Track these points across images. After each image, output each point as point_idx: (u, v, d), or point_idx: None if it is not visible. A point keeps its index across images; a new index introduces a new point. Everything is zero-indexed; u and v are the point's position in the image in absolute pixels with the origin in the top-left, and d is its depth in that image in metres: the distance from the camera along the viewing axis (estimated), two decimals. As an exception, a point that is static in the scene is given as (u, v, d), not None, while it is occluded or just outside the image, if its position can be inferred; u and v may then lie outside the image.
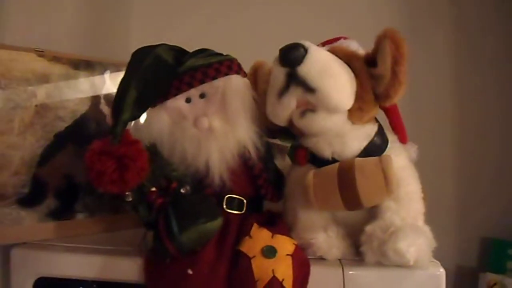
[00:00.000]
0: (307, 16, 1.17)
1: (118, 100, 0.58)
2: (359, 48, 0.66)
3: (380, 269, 0.59)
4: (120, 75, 0.82)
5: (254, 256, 0.55)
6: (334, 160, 0.62)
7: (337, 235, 0.62)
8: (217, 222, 0.58)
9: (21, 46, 0.74)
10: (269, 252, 0.55)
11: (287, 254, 0.56)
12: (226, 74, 0.64)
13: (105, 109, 0.82)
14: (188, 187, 0.60)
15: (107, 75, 0.83)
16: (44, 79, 0.75)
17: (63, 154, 0.76)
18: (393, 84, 0.59)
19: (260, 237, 0.58)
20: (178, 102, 0.64)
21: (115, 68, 0.84)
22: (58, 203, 0.75)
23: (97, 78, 0.81)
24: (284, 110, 0.61)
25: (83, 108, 0.79)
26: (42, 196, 0.73)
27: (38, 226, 0.71)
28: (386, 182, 0.57)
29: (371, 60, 0.62)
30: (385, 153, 0.64)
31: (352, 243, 0.63)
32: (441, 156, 1.15)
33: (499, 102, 1.16)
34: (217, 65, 0.64)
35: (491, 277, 1.04)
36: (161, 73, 0.62)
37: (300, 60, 0.57)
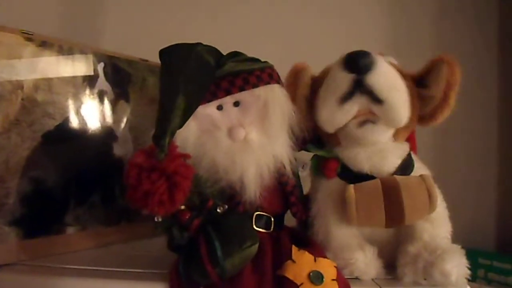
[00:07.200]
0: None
1: (165, 107, 0.49)
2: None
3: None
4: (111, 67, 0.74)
5: (302, 283, 0.51)
6: (367, 176, 0.61)
7: (373, 254, 0.60)
8: (257, 245, 0.53)
9: (6, 26, 0.61)
10: (316, 278, 0.52)
11: (332, 279, 0.53)
12: (268, 83, 0.59)
13: (98, 107, 0.72)
14: (225, 206, 0.54)
15: (101, 68, 0.73)
16: (32, 68, 0.64)
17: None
18: (442, 106, 0.61)
19: (304, 261, 0.53)
20: (209, 109, 0.57)
21: (110, 61, 0.74)
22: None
23: (90, 70, 0.71)
24: (344, 116, 0.59)
25: (76, 104, 0.68)
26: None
27: (25, 243, 0.60)
28: (431, 200, 0.58)
29: (418, 81, 0.63)
30: (414, 171, 0.64)
31: (384, 263, 0.61)
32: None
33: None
34: (259, 72, 0.58)
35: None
36: (205, 76, 0.55)
37: (369, 68, 0.56)
